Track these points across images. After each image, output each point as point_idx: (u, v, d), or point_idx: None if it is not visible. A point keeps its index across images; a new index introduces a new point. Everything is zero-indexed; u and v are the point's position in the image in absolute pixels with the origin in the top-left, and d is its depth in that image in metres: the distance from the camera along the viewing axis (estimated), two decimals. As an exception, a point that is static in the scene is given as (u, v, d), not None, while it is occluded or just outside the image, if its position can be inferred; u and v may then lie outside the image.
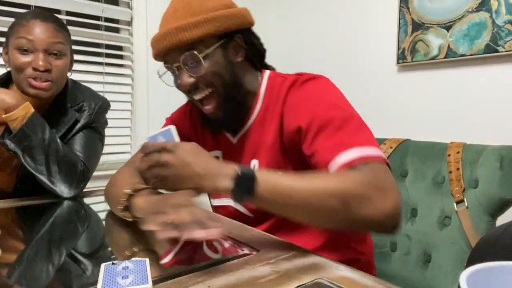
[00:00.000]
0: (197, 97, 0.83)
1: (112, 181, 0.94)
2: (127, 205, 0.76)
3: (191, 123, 1.00)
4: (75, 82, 1.21)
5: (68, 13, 1.86)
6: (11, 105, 0.98)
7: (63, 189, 1.06)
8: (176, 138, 0.73)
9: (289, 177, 0.65)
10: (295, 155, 0.81)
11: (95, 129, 1.17)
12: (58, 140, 1.04)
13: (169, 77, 0.87)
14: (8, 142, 1.00)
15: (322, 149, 0.72)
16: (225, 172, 0.63)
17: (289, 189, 0.63)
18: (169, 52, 0.81)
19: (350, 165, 0.66)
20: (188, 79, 0.81)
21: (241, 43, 0.85)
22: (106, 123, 1.25)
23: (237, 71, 0.84)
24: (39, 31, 1.01)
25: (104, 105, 1.20)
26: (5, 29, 1.66)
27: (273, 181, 0.63)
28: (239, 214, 0.89)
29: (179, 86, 0.84)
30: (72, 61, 1.15)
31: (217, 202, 0.93)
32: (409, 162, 1.22)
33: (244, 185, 0.62)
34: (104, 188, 0.98)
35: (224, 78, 0.82)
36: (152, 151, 0.66)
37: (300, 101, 0.80)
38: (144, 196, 0.74)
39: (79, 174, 1.06)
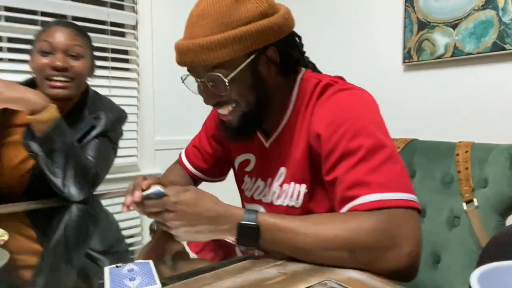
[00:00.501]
0: (220, 111, 0.78)
1: None
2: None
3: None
4: (97, 92, 1.24)
5: (74, 18, 1.88)
6: (39, 106, 0.97)
7: (73, 193, 1.06)
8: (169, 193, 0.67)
9: (293, 222, 0.63)
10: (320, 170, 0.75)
11: (110, 138, 1.19)
12: (79, 147, 1.06)
13: (192, 82, 0.80)
14: (31, 143, 1.00)
15: (341, 182, 0.66)
16: (228, 223, 0.64)
17: (294, 237, 0.61)
18: (192, 67, 0.75)
19: (367, 209, 0.61)
20: (211, 99, 0.75)
21: (274, 55, 0.75)
22: (121, 134, 1.27)
23: (267, 88, 0.77)
24: (59, 35, 1.06)
25: (121, 117, 1.24)
26: (12, 35, 1.70)
27: (277, 228, 0.62)
28: None
29: (203, 99, 0.78)
30: (93, 67, 1.18)
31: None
32: (417, 162, 1.21)
33: (248, 234, 0.63)
34: (106, 191, 0.98)
35: (250, 97, 0.75)
36: (152, 210, 0.66)
37: (327, 116, 0.72)
38: None
39: (90, 179, 1.08)
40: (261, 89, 0.76)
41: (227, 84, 0.71)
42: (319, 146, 0.72)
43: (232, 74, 0.71)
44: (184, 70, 0.78)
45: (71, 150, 1.02)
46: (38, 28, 1.74)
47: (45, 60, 1.05)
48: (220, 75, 0.70)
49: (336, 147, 0.68)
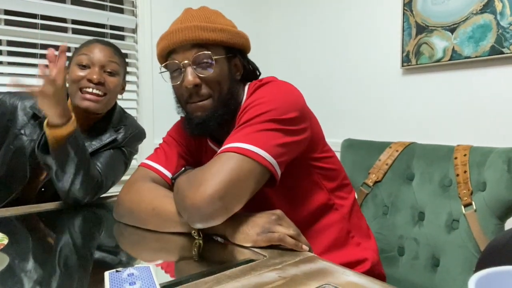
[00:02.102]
0: (195, 98, 0.84)
1: (142, 197, 0.86)
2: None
3: (193, 137, 0.97)
4: (123, 109, 1.28)
5: (74, 22, 1.88)
6: (58, 123, 0.96)
7: (77, 199, 1.06)
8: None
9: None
10: None
11: (123, 152, 1.20)
12: (91, 161, 1.06)
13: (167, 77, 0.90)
14: (46, 156, 0.99)
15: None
16: None
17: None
18: (181, 47, 0.83)
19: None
20: (194, 78, 0.82)
21: (240, 64, 0.91)
22: (136, 151, 1.29)
23: (234, 86, 0.88)
24: (98, 50, 1.11)
25: (139, 134, 1.26)
26: (13, 38, 1.70)
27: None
28: None
29: (180, 85, 0.84)
30: (124, 87, 1.22)
31: None
32: (416, 165, 1.22)
33: None
34: (108, 195, 0.97)
35: (223, 88, 0.85)
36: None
37: (243, 113, 0.81)
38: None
39: (95, 188, 1.08)
40: (232, 84, 0.87)
41: (213, 64, 0.83)
42: None
43: (217, 57, 0.84)
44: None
45: (83, 163, 1.02)
46: (37, 31, 1.75)
47: (81, 73, 1.09)
48: (210, 53, 0.82)
49: (241, 119, 0.79)
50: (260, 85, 0.85)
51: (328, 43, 2.10)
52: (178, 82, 0.85)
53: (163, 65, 0.91)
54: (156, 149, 1.00)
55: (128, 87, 2.03)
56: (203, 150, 0.99)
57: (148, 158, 0.97)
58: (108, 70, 1.12)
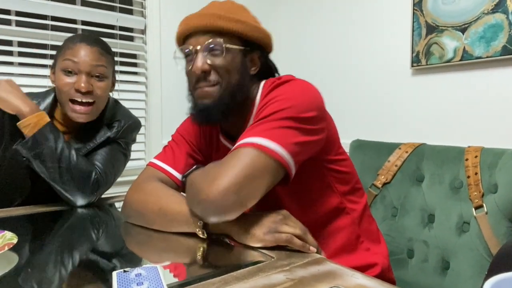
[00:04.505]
0: (202, 84, 0.85)
1: (149, 197, 0.86)
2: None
3: (203, 134, 1.00)
4: (116, 102, 1.25)
5: (84, 23, 1.90)
6: (23, 112, 1.01)
7: (76, 197, 1.07)
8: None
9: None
10: None
11: (119, 143, 1.19)
12: (73, 151, 1.06)
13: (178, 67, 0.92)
14: (19, 148, 1.02)
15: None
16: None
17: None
18: (197, 31, 0.84)
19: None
20: (203, 65, 0.83)
21: (257, 60, 0.90)
22: (133, 140, 1.27)
23: (246, 80, 0.88)
24: (84, 54, 1.06)
25: (133, 125, 1.24)
26: (23, 39, 1.72)
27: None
28: None
29: (190, 70, 0.85)
30: (114, 83, 1.19)
31: None
32: (425, 167, 1.21)
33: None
34: (116, 194, 0.98)
35: (233, 78, 0.85)
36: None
37: (262, 104, 0.82)
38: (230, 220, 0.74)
39: (92, 183, 1.08)
40: (243, 77, 0.87)
41: (224, 52, 0.83)
42: None
43: (230, 46, 0.84)
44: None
45: (63, 155, 1.03)
46: (48, 32, 1.77)
47: (69, 80, 1.06)
48: (222, 40, 0.83)
49: (257, 118, 0.79)
50: (279, 83, 0.84)
51: (337, 43, 2.09)
52: (189, 68, 0.86)
53: (178, 49, 0.91)
54: (164, 148, 1.01)
55: (136, 87, 2.06)
56: (214, 148, 0.99)
57: (156, 157, 0.98)
58: (96, 74, 1.08)
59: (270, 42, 0.92)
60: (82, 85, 1.04)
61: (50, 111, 1.14)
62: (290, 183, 0.78)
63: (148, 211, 0.84)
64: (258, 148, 0.72)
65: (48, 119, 1.04)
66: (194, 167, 0.87)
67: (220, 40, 0.83)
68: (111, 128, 1.17)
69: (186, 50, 0.86)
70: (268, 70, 0.94)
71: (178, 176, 0.93)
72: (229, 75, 0.84)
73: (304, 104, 0.79)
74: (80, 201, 1.08)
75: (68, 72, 1.06)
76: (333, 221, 0.88)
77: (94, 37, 1.14)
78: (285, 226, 0.71)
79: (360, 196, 0.94)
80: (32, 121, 1.02)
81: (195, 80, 0.85)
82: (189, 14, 0.90)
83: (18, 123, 1.02)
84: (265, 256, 0.68)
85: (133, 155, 2.01)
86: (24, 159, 1.04)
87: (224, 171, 0.71)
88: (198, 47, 0.83)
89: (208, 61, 0.83)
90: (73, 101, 1.07)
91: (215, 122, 0.91)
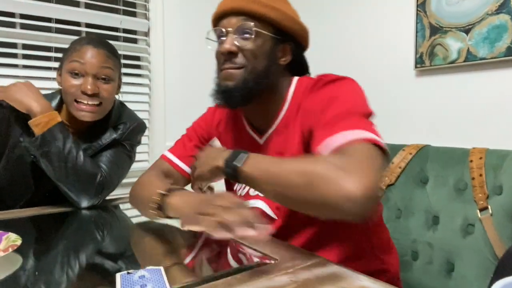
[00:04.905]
0: (228, 65, 0.84)
1: (139, 185, 0.96)
2: (160, 204, 0.77)
3: (217, 130, 1.01)
4: (122, 104, 1.26)
5: (88, 26, 1.90)
6: (35, 111, 1.02)
7: (81, 198, 1.07)
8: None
9: (273, 158, 0.73)
10: None
11: (124, 145, 1.20)
12: (80, 152, 1.06)
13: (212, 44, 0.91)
14: (28, 145, 1.03)
15: (319, 137, 0.73)
16: (227, 152, 0.74)
17: (270, 164, 0.69)
18: (230, 13, 0.84)
19: (336, 150, 0.67)
20: (231, 46, 0.82)
21: (289, 51, 0.88)
22: (138, 142, 1.28)
23: (273, 68, 0.86)
24: (90, 56, 1.06)
25: (138, 127, 1.24)
26: (27, 42, 1.73)
27: (260, 157, 0.72)
28: (265, 216, 0.88)
29: (219, 51, 0.86)
30: (120, 85, 1.20)
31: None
32: (430, 168, 1.20)
33: (238, 156, 0.71)
34: (120, 196, 0.99)
35: (259, 64, 0.84)
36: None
37: (313, 107, 0.80)
38: (179, 195, 0.76)
39: (97, 185, 1.08)
40: (270, 66, 0.85)
41: (253, 37, 0.82)
42: (309, 127, 0.80)
43: (262, 31, 0.83)
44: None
45: (70, 155, 1.04)
46: (52, 35, 1.78)
47: (75, 82, 1.06)
48: (252, 24, 0.82)
49: (320, 122, 0.76)
50: (331, 80, 0.83)
51: (339, 45, 2.09)
52: (219, 48, 0.86)
53: (211, 30, 0.91)
54: (177, 140, 1.06)
55: (140, 89, 2.06)
56: (237, 138, 0.97)
57: (169, 149, 1.04)
58: (102, 76, 1.08)
59: (306, 36, 0.91)
60: (89, 87, 1.05)
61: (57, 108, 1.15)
62: None
63: (138, 199, 0.92)
64: (374, 143, 0.67)
65: (59, 119, 1.05)
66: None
67: (251, 23, 0.82)
68: (116, 130, 1.18)
69: (218, 32, 0.87)
70: (299, 65, 0.93)
71: (184, 167, 0.99)
72: (255, 60, 0.83)
73: (366, 101, 0.80)
74: (84, 202, 1.08)
75: (75, 74, 1.06)
76: (346, 227, 0.85)
77: (101, 39, 1.14)
78: (210, 207, 0.63)
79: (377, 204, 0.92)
80: (43, 120, 1.02)
81: (222, 61, 0.85)
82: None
83: (29, 122, 1.03)
84: (269, 258, 0.67)
85: (136, 156, 2.02)
86: (32, 157, 1.05)
87: (364, 166, 0.62)
88: (229, 29, 0.84)
89: (236, 43, 0.83)
90: (79, 103, 1.07)
91: (235, 106, 0.89)
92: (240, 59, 0.83)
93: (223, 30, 0.84)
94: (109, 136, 1.16)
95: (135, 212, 0.95)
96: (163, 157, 1.03)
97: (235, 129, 0.98)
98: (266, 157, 0.74)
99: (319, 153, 0.71)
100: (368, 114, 0.76)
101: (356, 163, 0.62)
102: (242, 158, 0.71)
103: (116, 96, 1.20)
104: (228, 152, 0.74)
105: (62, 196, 1.09)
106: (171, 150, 1.03)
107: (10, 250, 0.63)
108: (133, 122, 1.22)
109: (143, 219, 0.92)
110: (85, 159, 1.07)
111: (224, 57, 0.84)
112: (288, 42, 0.87)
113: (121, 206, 1.18)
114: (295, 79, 0.90)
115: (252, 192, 0.90)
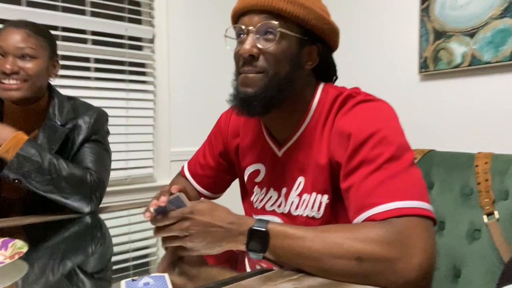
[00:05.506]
0: (247, 68, 0.76)
1: None
2: None
3: (233, 140, 0.95)
4: (68, 99, 1.22)
5: (94, 33, 1.92)
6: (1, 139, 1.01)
7: (79, 203, 1.08)
8: (187, 203, 0.69)
9: (302, 229, 0.63)
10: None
11: (97, 141, 1.19)
12: (61, 160, 1.06)
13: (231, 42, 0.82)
14: (6, 173, 1.02)
15: (357, 189, 0.66)
16: (240, 230, 0.65)
17: (301, 244, 0.62)
18: (251, 11, 0.76)
19: (382, 218, 0.60)
20: (251, 48, 0.74)
21: (316, 54, 0.80)
22: (107, 133, 1.26)
23: (298, 74, 0.78)
24: (10, 38, 1.06)
25: (99, 116, 1.22)
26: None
27: (285, 234, 0.63)
28: None
29: (238, 52, 0.77)
30: (55, 66, 1.17)
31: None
32: (435, 173, 1.19)
33: (257, 240, 0.64)
34: (124, 201, 0.98)
35: (282, 69, 0.76)
36: (171, 221, 0.67)
37: (347, 128, 0.71)
38: None
39: (90, 186, 1.08)
40: (294, 71, 0.77)
41: (276, 38, 0.74)
42: (340, 155, 0.72)
43: (286, 32, 0.74)
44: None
45: (52, 166, 1.04)
46: (58, 43, 1.79)
47: None
48: (277, 24, 0.73)
49: (355, 154, 0.68)
50: (364, 101, 0.75)
51: (343, 50, 2.09)
52: (238, 49, 0.77)
53: (230, 27, 0.82)
54: (198, 150, 1.05)
55: (144, 96, 2.08)
56: (254, 145, 0.91)
57: (188, 162, 1.06)
58: (23, 54, 1.06)
59: (336, 38, 0.83)
60: (7, 66, 1.04)
61: None
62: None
63: None
64: (425, 216, 0.61)
65: (25, 137, 1.04)
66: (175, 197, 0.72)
67: (275, 23, 0.73)
68: (78, 128, 1.16)
69: (238, 30, 0.78)
70: (326, 69, 0.85)
71: (197, 186, 1.01)
72: (278, 64, 0.75)
73: (404, 134, 0.71)
74: (84, 207, 1.08)
75: (0, 56, 1.06)
76: None
77: (25, 21, 1.13)
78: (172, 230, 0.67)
79: None
80: (10, 145, 1.02)
81: (241, 63, 0.76)
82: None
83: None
84: (266, 262, 0.67)
85: (141, 163, 2.04)
86: (17, 181, 1.04)
87: (419, 246, 0.57)
88: (251, 28, 0.75)
89: (258, 45, 0.74)
90: (3, 83, 1.06)
91: (254, 115, 0.80)
92: (261, 63, 0.75)
93: (244, 28, 0.76)
94: (61, 134, 1.13)
95: (139, 218, 0.95)
96: (182, 170, 1.06)
97: (253, 138, 0.91)
98: (289, 228, 0.64)
99: (359, 211, 0.63)
100: (412, 158, 0.67)
101: (411, 241, 0.57)
102: (264, 232, 0.63)
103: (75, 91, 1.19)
104: (240, 235, 0.65)
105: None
106: (189, 162, 1.05)
107: (17, 257, 0.64)
108: (92, 114, 1.19)
109: (148, 225, 0.92)
110: (68, 164, 1.07)
111: (244, 59, 0.75)
112: (315, 44, 0.79)
113: (122, 213, 1.18)
114: (320, 86, 0.83)
115: (269, 207, 0.87)
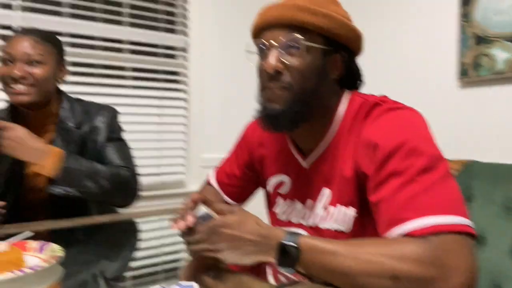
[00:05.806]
0: (273, 84, 0.74)
1: None
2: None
3: (258, 151, 0.94)
4: (77, 101, 1.26)
5: (132, 43, 1.99)
6: (38, 160, 1.04)
7: (125, 199, 1.13)
8: (214, 215, 0.69)
9: (334, 244, 0.61)
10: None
11: (117, 139, 1.23)
12: (94, 162, 1.10)
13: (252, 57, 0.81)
14: (56, 190, 1.06)
15: (389, 202, 0.62)
16: (270, 244, 0.63)
17: (333, 260, 0.59)
18: (274, 25, 0.74)
19: (418, 235, 0.57)
20: (276, 63, 0.72)
21: (341, 62, 0.78)
22: (121, 128, 1.30)
23: (324, 86, 0.77)
24: (18, 45, 1.11)
25: (114, 114, 1.27)
26: (76, 59, 1.82)
27: (317, 250, 0.61)
28: None
29: (261, 66, 0.76)
30: (63, 71, 1.21)
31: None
32: (476, 185, 1.14)
33: (288, 255, 0.62)
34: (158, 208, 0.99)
35: (308, 83, 0.74)
36: (200, 236, 0.68)
37: (373, 139, 0.68)
38: None
39: (128, 182, 1.13)
40: (320, 83, 0.75)
41: (302, 53, 0.72)
42: (366, 166, 0.69)
43: (311, 44, 0.73)
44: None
45: (90, 170, 1.07)
46: (97, 52, 1.87)
47: (5, 69, 1.10)
48: (301, 38, 0.72)
49: (384, 166, 0.65)
50: (392, 108, 0.72)
51: (380, 56, 2.04)
52: (262, 64, 0.76)
53: (257, 41, 0.80)
54: (225, 159, 1.05)
55: (176, 103, 2.11)
56: (279, 157, 0.90)
57: (215, 170, 1.05)
58: (31, 60, 1.11)
59: (360, 43, 0.81)
60: (16, 71, 1.08)
61: (10, 113, 1.18)
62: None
63: None
64: (465, 232, 0.57)
65: (58, 150, 1.08)
66: (202, 213, 0.73)
67: (299, 36, 0.72)
68: (96, 130, 1.19)
69: (260, 45, 0.76)
70: (351, 76, 0.82)
71: (223, 195, 1.00)
72: (304, 79, 0.73)
73: (436, 144, 0.68)
74: (129, 200, 1.13)
75: (9, 62, 1.10)
76: None
77: (32, 28, 1.18)
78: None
79: None
80: (50, 162, 1.05)
81: (266, 78, 0.75)
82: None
83: (37, 171, 1.05)
84: (297, 275, 0.65)
85: (172, 169, 2.07)
86: (70, 193, 1.07)
87: (461, 267, 0.55)
88: (273, 42, 0.73)
89: (283, 60, 0.73)
90: (11, 87, 1.10)
91: (282, 130, 0.79)
92: (286, 78, 0.73)
93: (266, 43, 0.74)
94: (76, 136, 1.16)
95: (164, 224, 0.96)
96: (207, 179, 1.05)
97: (277, 148, 0.89)
98: (321, 242, 0.62)
99: (392, 227, 0.60)
100: (446, 169, 0.64)
101: (450, 259, 0.55)
102: (294, 251, 0.61)
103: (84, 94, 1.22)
104: (271, 250, 0.63)
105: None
106: (217, 170, 1.04)
107: (52, 261, 0.65)
108: (104, 112, 1.23)
109: (173, 232, 0.92)
110: (101, 166, 1.11)
111: (268, 74, 0.73)
112: (340, 52, 0.77)
113: (153, 219, 1.20)
114: (345, 94, 0.80)
115: (295, 219, 0.84)
